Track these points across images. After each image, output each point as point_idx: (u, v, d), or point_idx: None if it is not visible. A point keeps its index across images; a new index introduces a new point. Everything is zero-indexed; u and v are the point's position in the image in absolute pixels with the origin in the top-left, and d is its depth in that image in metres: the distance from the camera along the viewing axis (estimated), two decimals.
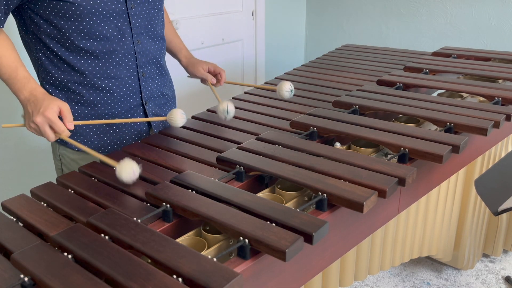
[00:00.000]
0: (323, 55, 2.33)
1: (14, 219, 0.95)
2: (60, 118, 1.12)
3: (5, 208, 1.00)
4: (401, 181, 1.01)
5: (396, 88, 1.63)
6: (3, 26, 1.15)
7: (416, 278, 2.04)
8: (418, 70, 1.82)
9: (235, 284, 0.70)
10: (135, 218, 0.88)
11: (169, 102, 1.47)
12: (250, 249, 0.81)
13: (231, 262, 0.80)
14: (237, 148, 1.17)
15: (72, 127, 1.11)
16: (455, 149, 1.14)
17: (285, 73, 2.02)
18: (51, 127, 1.10)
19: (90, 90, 1.26)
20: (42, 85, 1.28)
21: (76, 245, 0.79)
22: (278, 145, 1.18)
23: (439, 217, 1.49)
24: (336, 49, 2.45)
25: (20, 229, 0.90)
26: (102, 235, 0.83)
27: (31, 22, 1.20)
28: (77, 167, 1.23)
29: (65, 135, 1.10)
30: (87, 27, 1.18)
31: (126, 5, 1.23)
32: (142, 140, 1.33)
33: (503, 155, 1.71)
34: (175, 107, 1.51)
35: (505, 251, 2.16)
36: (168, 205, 0.92)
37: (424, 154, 1.12)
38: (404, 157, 1.14)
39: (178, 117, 1.24)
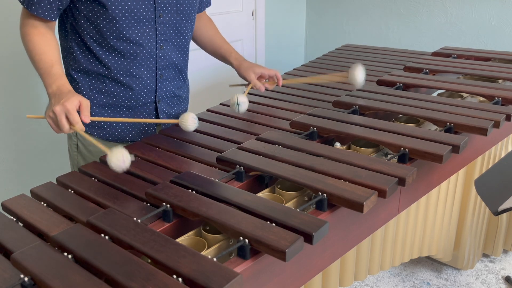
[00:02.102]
0: (323, 55, 2.33)
1: (14, 219, 0.95)
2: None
3: (5, 208, 1.00)
4: (401, 181, 1.01)
5: (396, 88, 1.63)
6: (54, 20, 1.26)
7: (416, 278, 2.04)
8: (418, 70, 1.82)
9: (235, 284, 0.70)
10: (135, 218, 0.88)
11: (181, 102, 1.52)
12: (250, 249, 0.81)
13: (231, 262, 0.80)
14: (237, 148, 1.17)
15: (88, 121, 1.14)
16: (455, 149, 1.14)
17: (285, 73, 2.02)
18: (67, 118, 1.12)
19: (113, 83, 1.35)
20: (68, 71, 1.37)
21: (76, 245, 0.79)
22: (278, 145, 1.18)
23: (439, 217, 1.49)
24: (336, 49, 2.46)
25: (20, 229, 0.90)
26: (102, 235, 0.84)
27: (72, 15, 1.30)
28: (92, 144, 1.30)
29: (79, 127, 1.12)
30: (120, 29, 1.28)
31: (155, 13, 1.32)
32: (142, 140, 1.33)
33: (503, 155, 1.71)
34: (186, 108, 1.54)
35: (505, 251, 2.16)
36: (168, 205, 0.92)
37: (424, 154, 1.12)
38: (404, 157, 1.14)
39: (190, 122, 1.25)
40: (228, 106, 1.59)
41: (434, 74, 1.79)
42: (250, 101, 1.63)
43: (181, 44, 1.42)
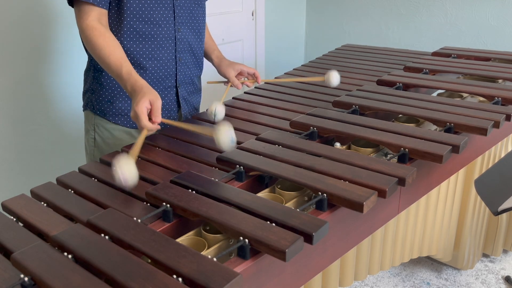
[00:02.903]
0: (323, 55, 2.33)
1: (14, 219, 0.95)
2: None
3: (5, 208, 1.00)
4: (401, 181, 1.01)
5: (396, 88, 1.63)
6: (105, 8, 1.31)
7: (416, 278, 2.04)
8: (418, 70, 1.82)
9: (235, 284, 0.70)
10: (135, 218, 0.88)
11: (197, 92, 1.58)
12: (250, 249, 0.81)
13: (231, 262, 0.80)
14: (237, 148, 1.17)
15: (159, 121, 1.15)
16: (455, 149, 1.14)
17: (285, 73, 2.02)
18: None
19: (136, 69, 1.38)
20: (92, 61, 1.42)
21: (76, 245, 0.79)
22: (278, 145, 1.18)
23: (439, 217, 1.49)
24: (336, 49, 2.45)
25: (20, 229, 0.90)
26: (102, 235, 0.84)
27: None
28: (110, 137, 1.43)
29: (149, 128, 1.14)
30: (142, 9, 1.34)
31: None
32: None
33: (503, 155, 1.71)
34: (200, 98, 1.61)
35: (505, 251, 2.16)
36: (168, 205, 0.92)
37: (424, 154, 1.12)
38: (404, 157, 1.14)
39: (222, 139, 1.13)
40: (227, 106, 1.60)
41: (434, 74, 1.79)
42: (249, 101, 1.65)
43: (196, 28, 1.48)
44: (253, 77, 1.64)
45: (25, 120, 2.07)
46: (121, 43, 1.35)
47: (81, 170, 1.16)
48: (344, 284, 1.17)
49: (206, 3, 1.63)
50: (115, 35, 1.35)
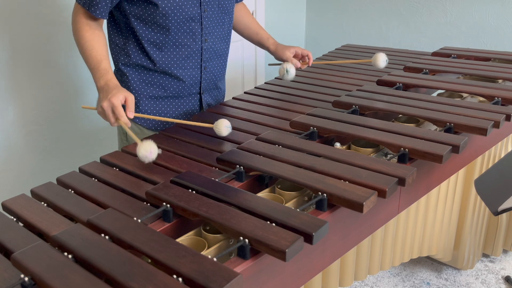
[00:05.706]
0: (323, 55, 2.33)
1: (14, 219, 0.95)
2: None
3: (5, 208, 1.00)
4: (401, 181, 1.01)
5: (396, 88, 1.63)
6: (106, 18, 1.35)
7: (416, 278, 2.04)
8: (418, 70, 1.82)
9: (235, 284, 0.70)
10: (135, 218, 0.88)
11: (220, 95, 1.64)
12: (250, 249, 0.81)
13: (231, 262, 0.80)
14: (237, 148, 1.17)
15: (132, 116, 1.22)
16: (455, 149, 1.14)
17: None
18: (113, 112, 1.21)
19: (161, 75, 1.45)
20: (118, 65, 1.46)
21: (76, 245, 0.79)
22: (278, 145, 1.18)
23: (439, 217, 1.49)
24: (336, 49, 2.45)
25: (20, 229, 0.90)
26: (102, 235, 0.84)
27: (124, 16, 1.38)
28: (139, 132, 1.47)
29: (123, 121, 1.21)
30: (169, 25, 1.37)
31: (201, 9, 1.41)
32: (142, 139, 1.33)
33: (503, 155, 1.71)
34: (222, 99, 1.66)
35: (505, 251, 2.16)
36: (168, 205, 0.92)
37: (424, 154, 1.12)
38: (404, 157, 1.14)
39: (223, 128, 1.29)
40: (227, 105, 1.60)
41: (434, 74, 1.79)
42: (249, 101, 1.65)
43: (223, 35, 1.52)
44: (306, 59, 1.72)
45: (25, 120, 2.07)
46: (149, 51, 1.39)
47: (81, 170, 1.16)
48: (344, 284, 1.17)
49: None
50: (143, 46, 1.39)
